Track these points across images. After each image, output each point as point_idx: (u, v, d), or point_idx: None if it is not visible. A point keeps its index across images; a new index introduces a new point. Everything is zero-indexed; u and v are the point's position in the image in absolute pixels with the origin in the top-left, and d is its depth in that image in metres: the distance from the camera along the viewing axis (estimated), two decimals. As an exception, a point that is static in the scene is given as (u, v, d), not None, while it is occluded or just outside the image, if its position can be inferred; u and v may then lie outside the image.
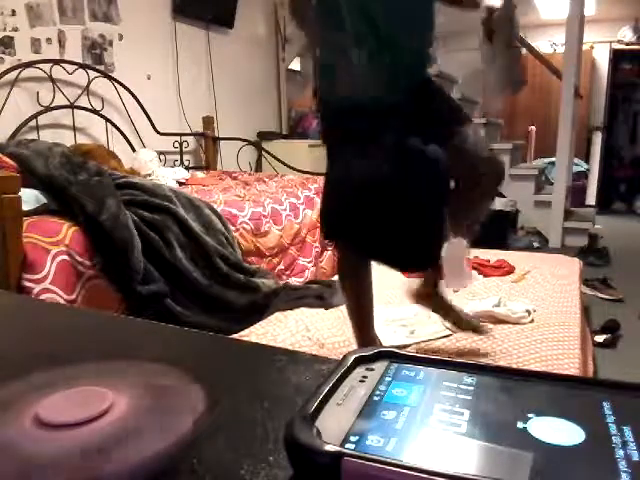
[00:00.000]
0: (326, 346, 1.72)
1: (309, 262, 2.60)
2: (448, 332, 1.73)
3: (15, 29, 2.56)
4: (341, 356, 0.26)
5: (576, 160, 5.79)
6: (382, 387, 0.25)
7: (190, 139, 3.63)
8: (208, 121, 3.70)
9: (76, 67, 2.81)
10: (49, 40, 2.72)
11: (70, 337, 0.40)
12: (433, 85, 1.45)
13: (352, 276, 1.52)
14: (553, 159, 4.77)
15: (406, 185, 1.21)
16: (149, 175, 2.86)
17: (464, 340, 1.69)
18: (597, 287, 3.03)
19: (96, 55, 2.97)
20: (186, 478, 0.22)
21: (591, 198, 6.71)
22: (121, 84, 3.05)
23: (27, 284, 1.49)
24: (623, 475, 0.18)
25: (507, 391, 0.24)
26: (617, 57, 6.57)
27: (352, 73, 1.23)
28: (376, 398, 0.24)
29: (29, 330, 0.41)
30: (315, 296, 2.11)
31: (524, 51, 5.80)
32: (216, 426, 0.26)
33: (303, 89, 5.21)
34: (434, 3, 1.33)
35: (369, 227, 1.28)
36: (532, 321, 1.82)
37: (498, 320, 1.80)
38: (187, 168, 3.45)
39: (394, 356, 0.27)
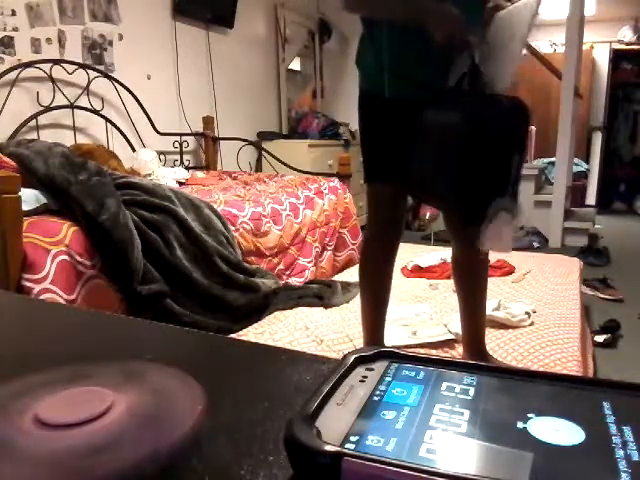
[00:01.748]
0: (325, 343, 1.72)
1: (309, 262, 2.60)
2: (451, 336, 1.72)
3: (15, 29, 2.56)
4: (340, 353, 0.26)
5: (576, 160, 5.79)
6: (382, 387, 0.24)
7: (190, 139, 3.63)
8: (208, 121, 3.70)
9: (76, 67, 2.81)
10: (49, 40, 2.72)
11: (70, 337, 0.40)
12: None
13: (374, 272, 1.52)
14: (553, 159, 4.76)
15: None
16: (149, 175, 2.86)
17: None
18: (597, 287, 3.03)
19: (96, 55, 2.97)
20: (186, 478, 0.22)
21: (591, 198, 6.71)
22: (121, 84, 3.05)
23: (27, 284, 1.49)
24: (623, 475, 0.18)
25: (507, 391, 0.24)
26: (617, 57, 6.57)
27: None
28: (376, 398, 0.24)
29: (29, 330, 0.41)
30: (315, 296, 2.11)
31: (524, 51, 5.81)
32: (216, 426, 0.26)
33: (303, 89, 5.21)
34: None
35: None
36: (532, 324, 1.82)
37: (498, 324, 1.79)
38: (187, 168, 3.45)
39: (394, 356, 0.27)
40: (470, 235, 1.46)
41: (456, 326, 1.73)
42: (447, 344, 1.71)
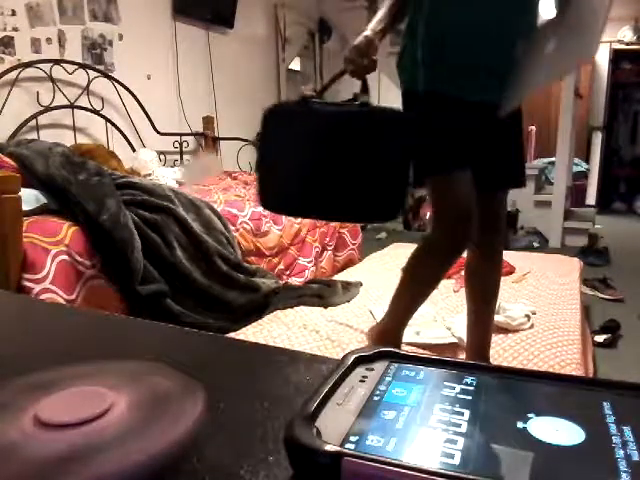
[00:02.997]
0: (325, 343, 1.72)
1: (309, 262, 2.60)
2: (454, 339, 1.71)
3: (15, 29, 2.56)
4: (340, 353, 0.26)
5: (576, 160, 5.79)
6: (382, 387, 0.24)
7: (190, 139, 3.63)
8: (208, 121, 3.70)
9: (76, 67, 2.81)
10: (49, 40, 2.72)
11: (70, 337, 0.40)
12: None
13: (433, 273, 1.41)
14: (553, 159, 4.76)
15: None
16: (149, 175, 2.86)
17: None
18: (597, 287, 3.03)
19: (96, 55, 2.97)
20: (186, 478, 0.22)
21: (591, 198, 6.70)
22: (121, 84, 3.05)
23: (27, 284, 1.49)
24: (623, 475, 0.18)
25: (507, 391, 0.24)
26: (617, 57, 6.56)
27: None
28: (376, 398, 0.24)
29: (29, 330, 0.41)
30: (315, 295, 2.11)
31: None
32: (216, 426, 0.26)
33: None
34: None
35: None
36: (532, 326, 1.81)
37: (498, 328, 1.78)
38: (187, 168, 3.45)
39: (394, 356, 0.27)
40: (486, 241, 1.44)
41: (459, 329, 1.71)
42: (450, 348, 1.69)
